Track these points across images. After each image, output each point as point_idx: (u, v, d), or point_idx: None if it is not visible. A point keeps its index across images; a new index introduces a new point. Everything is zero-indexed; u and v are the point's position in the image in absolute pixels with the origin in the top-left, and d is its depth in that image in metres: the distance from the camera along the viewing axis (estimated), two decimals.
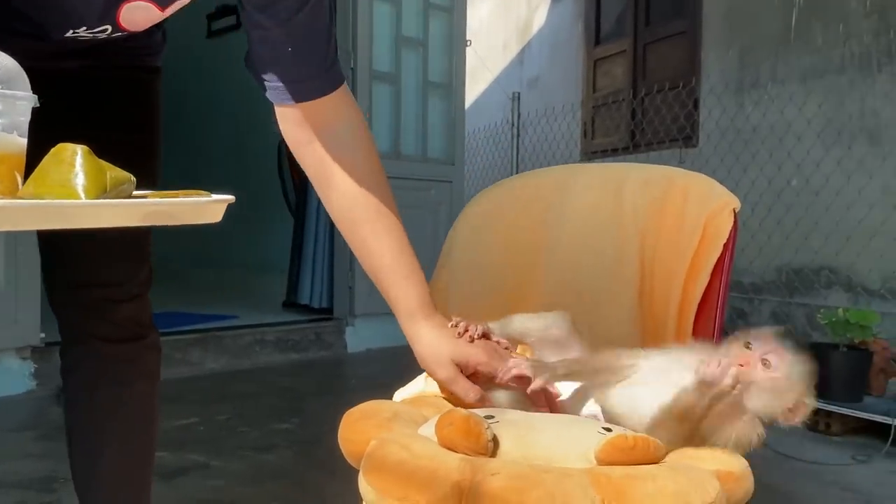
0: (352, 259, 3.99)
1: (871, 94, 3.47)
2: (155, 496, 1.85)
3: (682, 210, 1.18)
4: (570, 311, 1.20)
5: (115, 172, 0.55)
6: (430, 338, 1.03)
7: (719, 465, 0.84)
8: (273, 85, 0.99)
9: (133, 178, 0.57)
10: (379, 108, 4.08)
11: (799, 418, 0.90)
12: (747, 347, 0.92)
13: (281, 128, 1.03)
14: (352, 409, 1.01)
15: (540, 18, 6.25)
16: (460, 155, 4.53)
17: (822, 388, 2.67)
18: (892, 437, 2.40)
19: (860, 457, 2.38)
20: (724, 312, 1.13)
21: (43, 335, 2.95)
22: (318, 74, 0.99)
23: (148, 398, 1.27)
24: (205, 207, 0.58)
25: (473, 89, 6.66)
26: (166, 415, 2.61)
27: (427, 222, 4.05)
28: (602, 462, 0.84)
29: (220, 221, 0.60)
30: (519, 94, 5.70)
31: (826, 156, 3.60)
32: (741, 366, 0.90)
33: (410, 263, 1.04)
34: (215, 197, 0.59)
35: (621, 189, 1.25)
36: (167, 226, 0.57)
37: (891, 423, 2.42)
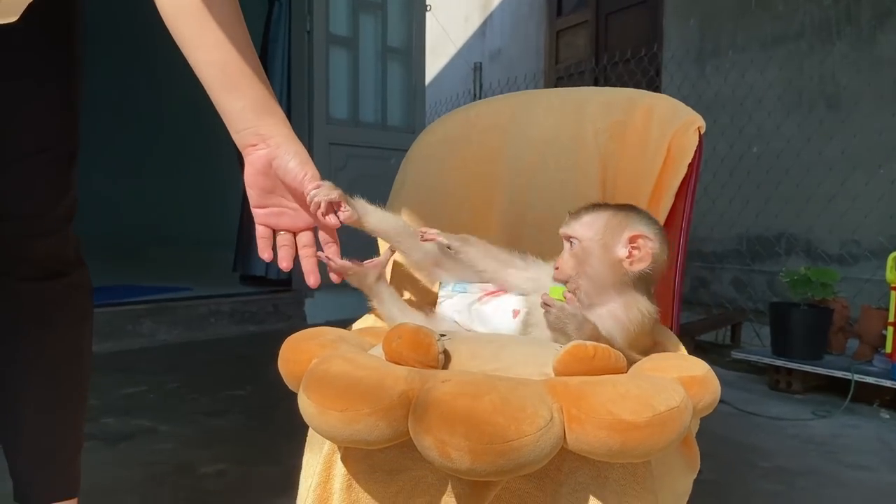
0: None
1: (830, 58, 3.48)
2: (96, 461, 1.76)
3: (645, 131, 1.12)
4: (528, 240, 1.15)
5: None
6: (257, 155, 0.91)
7: (681, 372, 0.79)
8: None
9: None
10: (336, 74, 3.95)
11: (647, 251, 0.86)
12: (569, 243, 0.91)
13: None
14: (294, 334, 0.94)
15: None
16: (421, 123, 4.42)
17: (784, 346, 2.69)
18: (850, 392, 2.40)
19: (820, 412, 2.38)
20: (688, 235, 1.08)
21: None
22: None
23: (75, 341, 1.17)
24: None
25: (435, 62, 6.56)
26: (113, 384, 2.53)
27: (387, 191, 3.95)
28: (560, 374, 0.78)
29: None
30: (481, 64, 5.62)
31: (786, 120, 3.60)
32: (556, 269, 0.90)
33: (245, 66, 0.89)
34: None
35: (582, 112, 1.19)
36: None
37: (850, 378, 2.43)
